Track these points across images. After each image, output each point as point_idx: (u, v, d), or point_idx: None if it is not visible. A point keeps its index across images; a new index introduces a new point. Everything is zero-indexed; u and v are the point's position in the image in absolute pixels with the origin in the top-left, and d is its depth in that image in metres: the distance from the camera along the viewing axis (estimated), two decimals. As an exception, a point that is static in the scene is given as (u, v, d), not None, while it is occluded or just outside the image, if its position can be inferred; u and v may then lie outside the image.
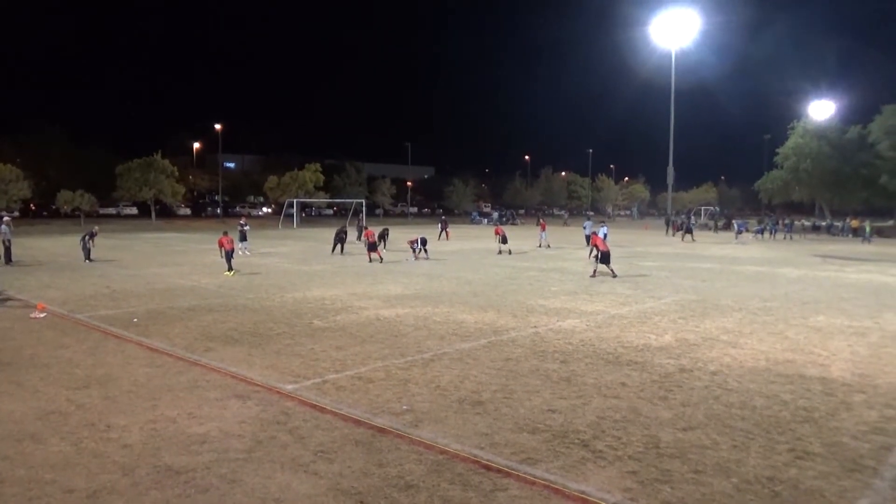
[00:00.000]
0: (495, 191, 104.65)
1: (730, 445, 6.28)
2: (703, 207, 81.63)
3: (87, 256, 23.74)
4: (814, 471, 5.75)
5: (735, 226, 43.93)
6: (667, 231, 48.87)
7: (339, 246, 27.74)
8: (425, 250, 26.03)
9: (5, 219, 24.76)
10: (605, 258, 19.68)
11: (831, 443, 6.37)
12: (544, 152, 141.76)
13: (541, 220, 38.56)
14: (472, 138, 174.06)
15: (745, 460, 5.95)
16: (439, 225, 40.66)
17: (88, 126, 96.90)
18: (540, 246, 32.59)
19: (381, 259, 24.30)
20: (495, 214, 75.13)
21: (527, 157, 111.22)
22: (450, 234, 40.03)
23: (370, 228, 28.52)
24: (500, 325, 11.97)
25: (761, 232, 43.03)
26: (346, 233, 28.59)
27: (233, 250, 20.91)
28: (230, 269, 20.20)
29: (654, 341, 10.68)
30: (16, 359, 9.36)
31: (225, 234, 21.84)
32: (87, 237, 24.35)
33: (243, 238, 27.52)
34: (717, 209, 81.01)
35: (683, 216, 59.93)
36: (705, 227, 59.39)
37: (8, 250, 23.04)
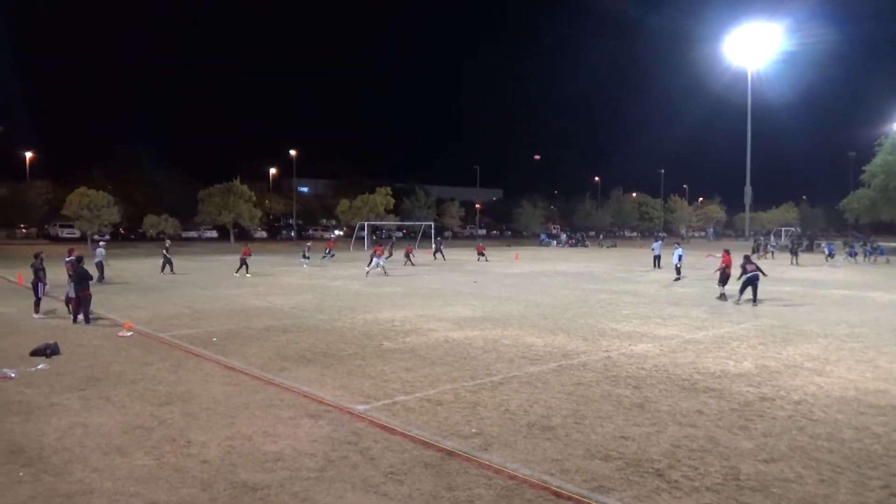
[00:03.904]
0: (564, 213, 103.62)
1: (816, 480, 5.94)
2: (783, 228, 78.22)
3: (163, 269, 28.33)
4: (912, 510, 5.36)
5: (825, 248, 41.52)
6: (757, 252, 45.12)
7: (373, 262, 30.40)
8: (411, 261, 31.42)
9: (101, 243, 27.46)
10: (724, 278, 19.18)
11: (932, 480, 5.93)
12: (614, 173, 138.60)
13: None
14: (541, 160, 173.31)
15: (834, 496, 5.61)
16: (433, 245, 41.58)
17: (171, 152, 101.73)
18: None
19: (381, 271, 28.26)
20: (563, 236, 74.34)
21: (596, 179, 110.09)
22: (438, 256, 41.12)
23: (379, 246, 31.24)
24: (570, 348, 11.81)
25: (853, 254, 40.37)
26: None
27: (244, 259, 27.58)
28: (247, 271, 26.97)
29: (732, 368, 10.27)
30: (105, 375, 9.88)
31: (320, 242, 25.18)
32: (165, 252, 28.80)
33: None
34: (799, 229, 77.39)
35: (762, 237, 57.46)
36: (786, 248, 56.85)
37: (102, 271, 24.99)
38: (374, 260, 27.93)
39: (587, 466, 6.23)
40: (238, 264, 28.35)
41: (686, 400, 8.47)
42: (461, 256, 40.94)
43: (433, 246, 41.55)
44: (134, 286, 23.77)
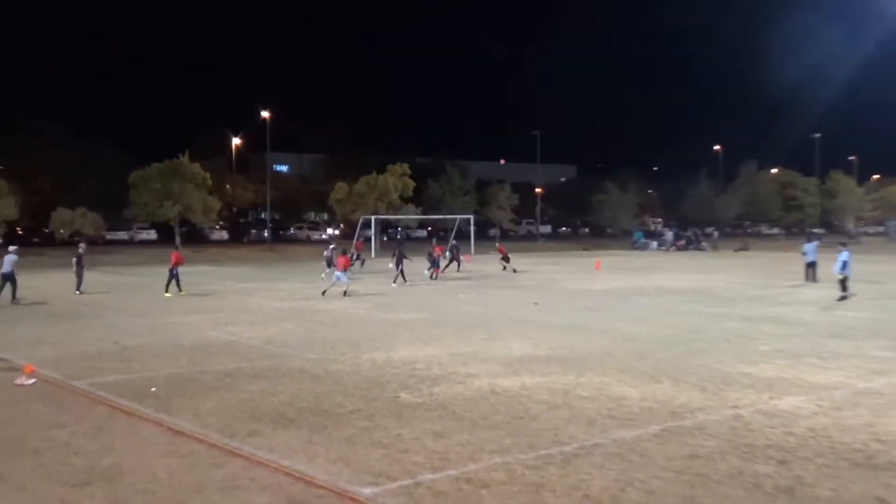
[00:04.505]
0: (670, 199, 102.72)
1: None
2: None
3: (79, 286, 29.23)
4: None
5: None
6: None
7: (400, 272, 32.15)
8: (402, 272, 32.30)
9: (11, 248, 28.19)
10: None
11: None
12: (741, 141, 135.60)
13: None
14: (633, 123, 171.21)
15: None
16: (449, 254, 41.77)
17: (92, 120, 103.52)
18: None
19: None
20: (669, 234, 73.74)
21: (717, 148, 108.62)
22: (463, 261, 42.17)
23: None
24: (679, 403, 11.70)
25: None
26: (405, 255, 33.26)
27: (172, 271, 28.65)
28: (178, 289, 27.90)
29: (930, 433, 10.05)
30: (-3, 442, 10.05)
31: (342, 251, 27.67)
32: (77, 261, 29.66)
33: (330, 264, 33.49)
34: None
35: None
36: None
37: (14, 286, 25.96)
38: (433, 262, 29.87)
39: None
40: (167, 278, 29.14)
41: (860, 481, 8.30)
42: (516, 265, 40.84)
43: (448, 253, 41.77)
44: (38, 311, 24.19)
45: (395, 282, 32.16)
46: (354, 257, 42.60)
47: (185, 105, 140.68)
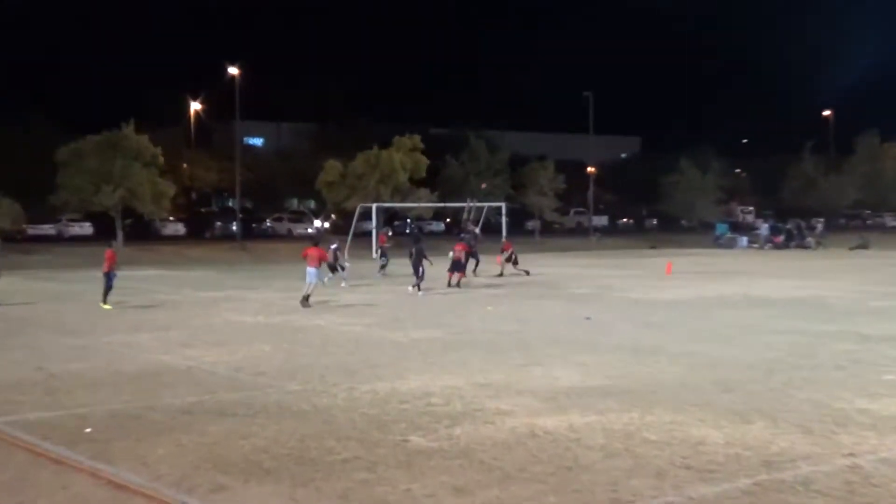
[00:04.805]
0: (764, 182, 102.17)
1: None
2: None
3: None
4: None
5: None
6: None
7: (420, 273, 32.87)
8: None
9: None
10: None
11: None
12: (859, 105, 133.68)
13: None
14: (714, 80, 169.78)
15: None
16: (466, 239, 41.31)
17: (5, 80, 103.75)
18: None
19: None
20: (764, 228, 73.39)
21: (827, 114, 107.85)
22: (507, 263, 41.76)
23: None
24: (777, 449, 11.64)
25: None
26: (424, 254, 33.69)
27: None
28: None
29: None
30: None
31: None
32: None
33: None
34: None
35: None
36: None
37: None
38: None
39: None
40: (104, 285, 29.29)
41: None
42: (562, 269, 40.81)
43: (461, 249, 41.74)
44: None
45: (415, 287, 32.65)
46: (379, 255, 43.48)
47: (129, 60, 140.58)
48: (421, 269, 32.93)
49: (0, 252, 31.57)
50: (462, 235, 43.72)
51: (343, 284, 34.47)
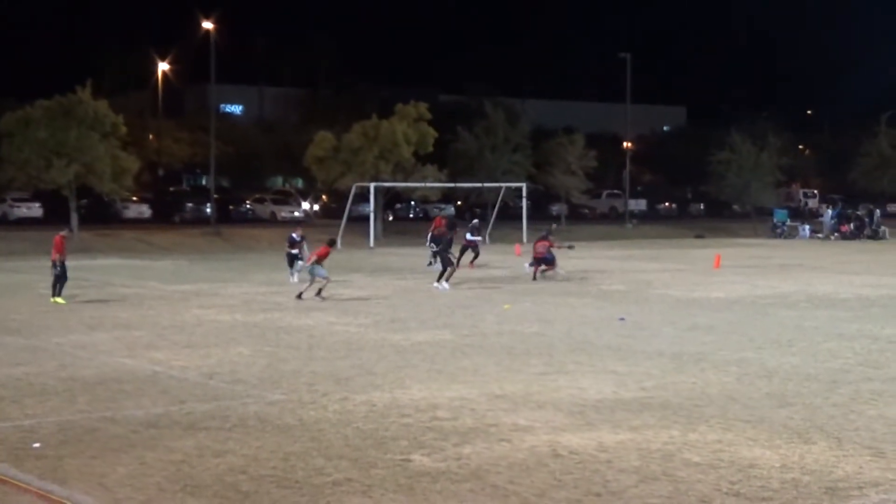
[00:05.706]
0: (830, 161, 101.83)
1: None
2: None
3: None
4: None
5: None
6: None
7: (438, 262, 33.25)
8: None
9: None
10: None
11: None
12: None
13: None
14: (773, 42, 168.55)
15: None
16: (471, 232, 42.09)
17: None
18: None
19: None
20: (829, 214, 73.21)
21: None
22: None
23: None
24: (842, 474, 11.62)
25: None
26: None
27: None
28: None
29: None
30: None
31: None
32: None
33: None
34: None
35: None
36: None
37: None
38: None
39: None
40: (53, 275, 29.22)
41: None
42: (592, 261, 40.77)
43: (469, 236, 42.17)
44: None
45: (440, 280, 32.80)
46: (430, 246, 41.46)
47: (84, 10, 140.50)
48: (450, 258, 33.12)
49: None
50: (546, 235, 43.17)
51: (293, 279, 33.82)
